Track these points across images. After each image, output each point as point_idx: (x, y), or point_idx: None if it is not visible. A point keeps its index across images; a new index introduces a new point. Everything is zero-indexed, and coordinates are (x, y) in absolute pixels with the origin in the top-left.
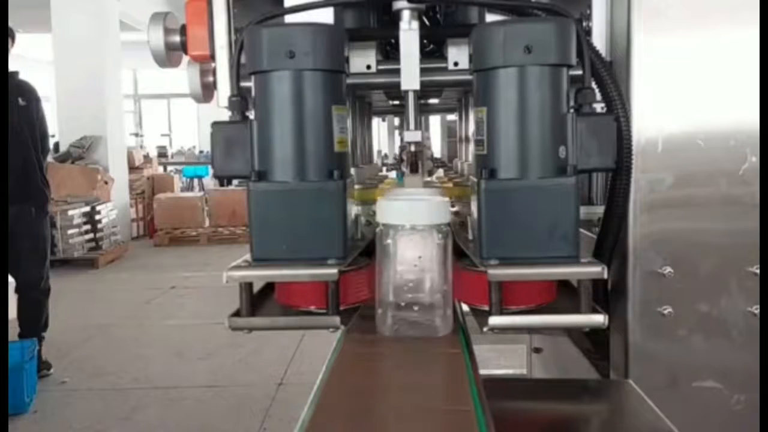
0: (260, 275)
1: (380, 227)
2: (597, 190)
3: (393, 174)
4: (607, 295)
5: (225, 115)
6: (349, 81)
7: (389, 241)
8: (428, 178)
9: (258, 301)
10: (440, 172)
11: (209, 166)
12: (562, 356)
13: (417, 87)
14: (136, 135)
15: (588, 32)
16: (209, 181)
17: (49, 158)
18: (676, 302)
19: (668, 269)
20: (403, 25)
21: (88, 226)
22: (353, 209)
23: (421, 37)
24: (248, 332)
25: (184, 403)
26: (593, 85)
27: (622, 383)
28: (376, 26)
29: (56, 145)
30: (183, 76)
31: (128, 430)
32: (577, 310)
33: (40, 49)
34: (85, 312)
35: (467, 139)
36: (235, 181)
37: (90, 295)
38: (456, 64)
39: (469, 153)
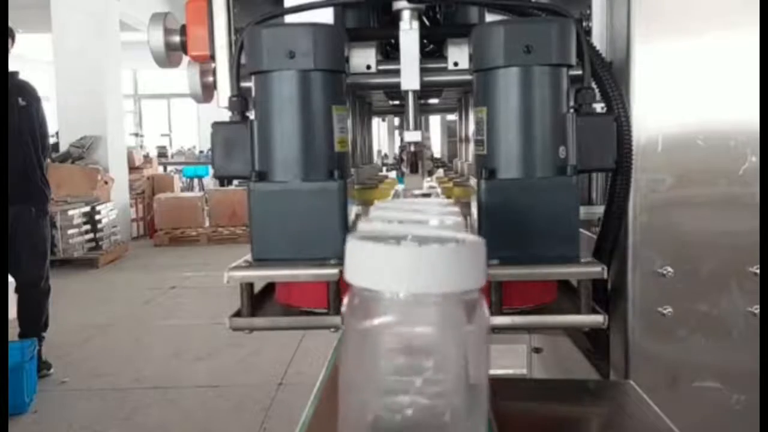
0: (261, 275)
1: (351, 289)
2: (597, 190)
3: (393, 174)
4: (607, 295)
5: (225, 115)
6: (349, 81)
7: (369, 323)
8: (428, 178)
9: (259, 301)
10: (440, 172)
11: (209, 166)
12: (562, 356)
13: (417, 87)
14: (136, 135)
15: (588, 32)
16: (209, 181)
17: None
18: (676, 302)
19: (668, 269)
20: (403, 25)
21: (88, 226)
22: (353, 209)
23: (421, 37)
24: (249, 332)
25: (183, 404)
26: (593, 85)
27: (623, 383)
28: (376, 26)
29: (56, 145)
30: (183, 76)
31: (128, 431)
32: (577, 310)
33: (40, 49)
34: (85, 312)
35: (467, 139)
36: (235, 181)
37: (90, 295)
38: (456, 64)
39: (469, 153)
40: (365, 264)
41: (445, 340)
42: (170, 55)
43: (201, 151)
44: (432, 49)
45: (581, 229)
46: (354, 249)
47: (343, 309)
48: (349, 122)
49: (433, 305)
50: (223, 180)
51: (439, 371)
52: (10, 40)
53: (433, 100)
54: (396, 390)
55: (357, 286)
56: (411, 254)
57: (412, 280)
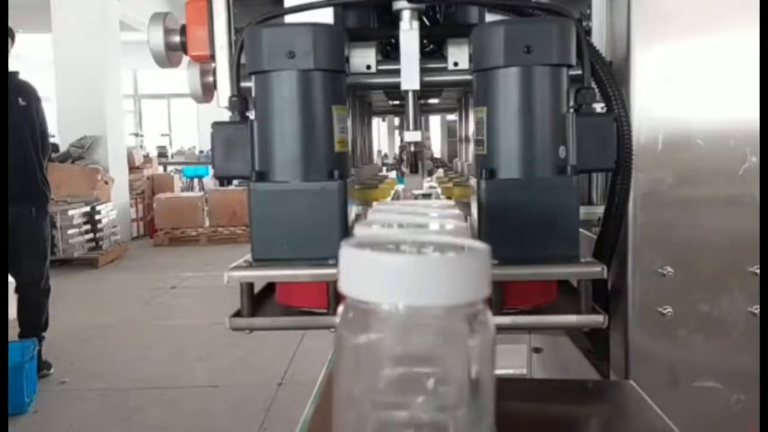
0: (261, 275)
1: (346, 302)
2: (597, 190)
3: (393, 174)
4: (607, 295)
5: (225, 115)
6: (349, 81)
7: (365, 338)
8: (428, 178)
9: (259, 301)
10: (440, 172)
11: (209, 166)
12: (562, 356)
13: (417, 87)
14: (136, 135)
15: (588, 32)
16: (209, 181)
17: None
18: (676, 302)
19: (668, 269)
20: (403, 25)
21: (88, 226)
22: (353, 209)
23: (421, 37)
24: (249, 332)
25: (184, 403)
26: (593, 84)
27: (623, 383)
28: (376, 26)
29: (55, 146)
30: (183, 76)
31: (128, 430)
32: (577, 310)
33: (40, 49)
34: (85, 312)
35: (467, 139)
36: (235, 181)
37: (90, 295)
38: (456, 64)
39: (469, 153)
40: (361, 273)
41: (448, 356)
42: (170, 55)
43: (201, 151)
44: (432, 49)
45: (581, 229)
46: (349, 257)
47: (336, 320)
48: (349, 122)
49: (434, 319)
50: (223, 180)
51: (441, 388)
52: (10, 40)
53: (433, 100)
54: (396, 406)
55: (352, 298)
56: (411, 263)
57: (413, 292)
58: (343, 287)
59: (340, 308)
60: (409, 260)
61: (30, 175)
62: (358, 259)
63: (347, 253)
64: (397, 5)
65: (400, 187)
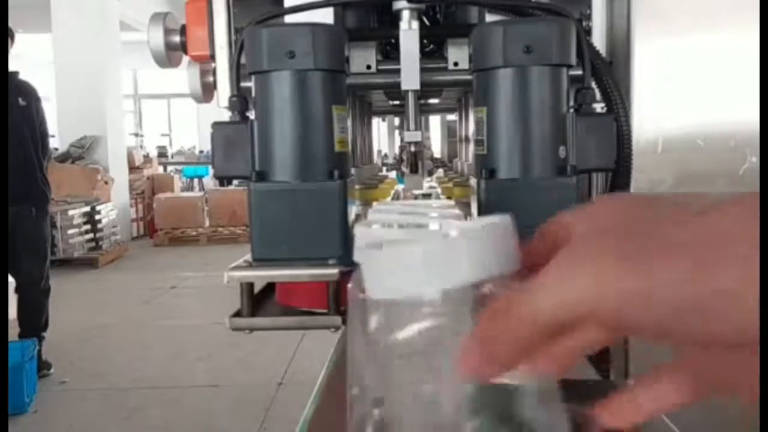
0: (261, 275)
1: (356, 297)
2: (597, 190)
3: (393, 174)
4: None
5: (225, 115)
6: (349, 81)
7: (375, 326)
8: (428, 178)
9: (259, 301)
10: (440, 172)
11: (209, 166)
12: None
13: (417, 87)
14: (136, 135)
15: (588, 32)
16: (209, 181)
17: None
18: None
19: None
20: (403, 25)
21: (88, 226)
22: (353, 209)
23: (421, 37)
24: (249, 332)
25: (184, 403)
26: (593, 84)
27: (623, 383)
28: (376, 26)
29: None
30: (183, 76)
31: (128, 430)
32: None
33: (40, 49)
34: (85, 312)
35: (467, 139)
36: (235, 181)
37: (90, 295)
38: (456, 64)
39: (469, 153)
40: (391, 272)
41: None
42: (170, 55)
43: (201, 151)
44: (432, 49)
45: None
46: (372, 259)
47: (369, 328)
48: (349, 122)
49: (473, 296)
50: (223, 180)
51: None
52: (9, 40)
53: (434, 100)
54: (416, 405)
55: (385, 300)
56: (445, 246)
57: (448, 274)
58: (373, 292)
59: (370, 317)
60: (441, 244)
61: (30, 175)
62: (382, 259)
63: (369, 256)
64: (397, 5)
65: (400, 187)
